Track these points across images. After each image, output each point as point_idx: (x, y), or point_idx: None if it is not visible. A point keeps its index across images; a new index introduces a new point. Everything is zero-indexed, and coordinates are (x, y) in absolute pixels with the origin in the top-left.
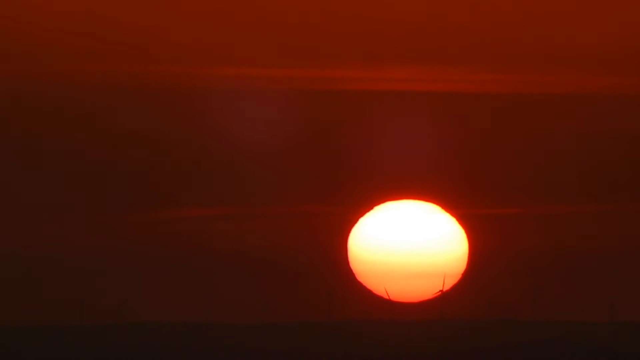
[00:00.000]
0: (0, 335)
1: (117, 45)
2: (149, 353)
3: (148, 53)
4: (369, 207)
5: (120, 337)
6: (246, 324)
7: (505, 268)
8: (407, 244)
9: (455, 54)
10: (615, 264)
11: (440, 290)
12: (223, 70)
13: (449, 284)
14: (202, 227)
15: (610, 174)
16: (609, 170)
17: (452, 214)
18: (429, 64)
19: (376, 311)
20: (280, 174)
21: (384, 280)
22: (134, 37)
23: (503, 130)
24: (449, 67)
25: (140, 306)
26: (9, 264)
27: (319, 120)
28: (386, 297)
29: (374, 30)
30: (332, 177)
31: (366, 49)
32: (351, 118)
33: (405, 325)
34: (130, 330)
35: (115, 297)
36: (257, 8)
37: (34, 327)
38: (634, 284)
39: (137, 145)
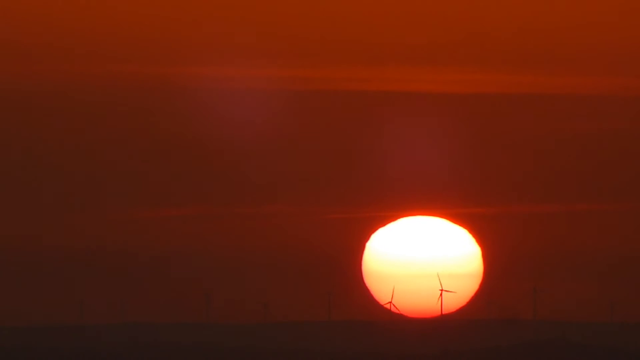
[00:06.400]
0: (0, 335)
1: (113, 45)
2: (149, 353)
3: (139, 53)
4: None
5: (120, 337)
6: (246, 324)
7: (505, 268)
8: (421, 261)
9: (455, 54)
10: (615, 264)
11: (441, 290)
12: (222, 70)
13: (464, 297)
14: (203, 227)
15: (611, 174)
16: (609, 170)
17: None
18: (430, 64)
19: (376, 311)
20: (279, 174)
21: (394, 293)
22: (129, 37)
23: (503, 130)
24: (449, 67)
25: (140, 306)
26: (9, 263)
27: (319, 121)
28: (394, 310)
29: (375, 31)
30: (332, 178)
31: (367, 49)
32: (351, 118)
33: (405, 325)
34: (130, 330)
35: (115, 297)
36: (258, 9)
37: (34, 327)
38: (634, 284)
39: (134, 146)
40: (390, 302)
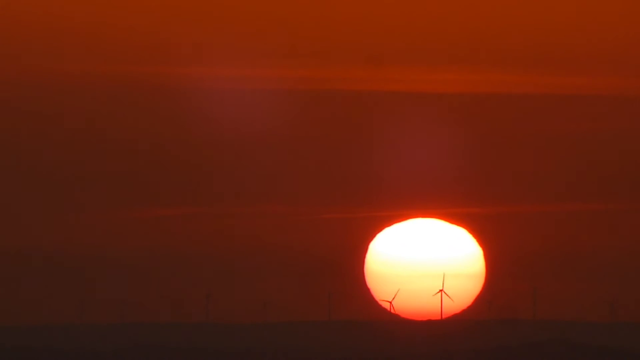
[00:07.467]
0: (0, 335)
1: (111, 45)
2: (149, 353)
3: (138, 53)
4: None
5: (120, 337)
6: (246, 324)
7: (506, 268)
8: (423, 262)
9: (455, 54)
10: (615, 264)
11: (441, 290)
12: (221, 70)
13: (466, 299)
14: (202, 227)
15: (611, 174)
16: (609, 170)
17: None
18: (430, 64)
19: (376, 311)
20: (278, 174)
21: (395, 294)
22: (128, 37)
23: (502, 130)
24: (448, 67)
25: (140, 306)
26: (9, 263)
27: (319, 121)
28: (392, 310)
29: (375, 31)
30: (332, 178)
31: (367, 49)
32: (351, 118)
33: (405, 325)
34: (130, 330)
35: (115, 297)
36: (257, 9)
37: (34, 327)
38: (634, 284)
39: (133, 145)
40: (390, 303)
